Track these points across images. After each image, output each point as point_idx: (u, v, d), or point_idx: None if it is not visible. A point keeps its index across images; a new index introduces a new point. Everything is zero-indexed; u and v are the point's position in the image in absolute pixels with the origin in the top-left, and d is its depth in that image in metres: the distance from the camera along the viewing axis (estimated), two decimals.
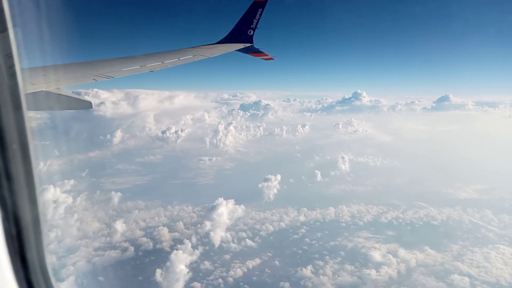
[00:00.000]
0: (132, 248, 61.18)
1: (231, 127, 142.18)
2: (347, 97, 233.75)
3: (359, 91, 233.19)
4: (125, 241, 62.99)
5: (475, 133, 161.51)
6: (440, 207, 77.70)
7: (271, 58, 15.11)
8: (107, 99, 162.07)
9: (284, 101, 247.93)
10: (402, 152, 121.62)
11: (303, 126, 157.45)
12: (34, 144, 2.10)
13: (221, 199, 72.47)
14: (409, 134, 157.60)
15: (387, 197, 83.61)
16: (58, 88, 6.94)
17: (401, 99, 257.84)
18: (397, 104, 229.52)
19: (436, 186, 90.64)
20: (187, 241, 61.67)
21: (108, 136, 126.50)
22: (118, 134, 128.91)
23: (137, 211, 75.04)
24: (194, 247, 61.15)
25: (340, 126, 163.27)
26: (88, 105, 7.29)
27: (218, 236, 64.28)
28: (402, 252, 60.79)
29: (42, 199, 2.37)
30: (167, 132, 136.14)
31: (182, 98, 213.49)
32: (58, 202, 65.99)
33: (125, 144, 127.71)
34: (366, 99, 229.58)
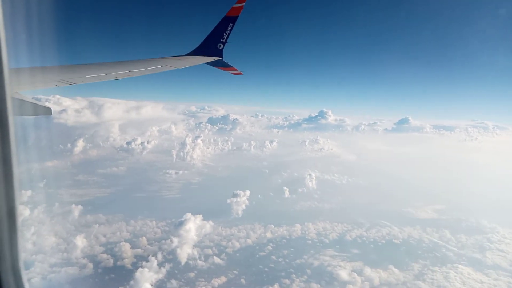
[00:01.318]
0: (91, 265, 58.37)
1: (199, 141, 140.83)
2: (314, 115, 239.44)
3: (325, 110, 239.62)
4: (83, 257, 59.95)
5: (432, 155, 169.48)
6: (401, 226, 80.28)
7: (240, 73, 15.08)
8: (69, 107, 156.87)
9: (252, 116, 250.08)
10: (365, 171, 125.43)
11: (271, 142, 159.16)
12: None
13: (189, 214, 70.97)
14: (372, 154, 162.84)
15: (352, 215, 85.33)
16: (16, 92, 6.40)
17: (364, 119, 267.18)
18: (360, 124, 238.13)
19: (397, 205, 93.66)
20: (152, 258, 59.57)
21: (69, 145, 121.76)
22: (80, 143, 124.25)
23: (97, 225, 71.97)
24: (160, 264, 59.10)
25: (306, 143, 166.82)
26: (47, 111, 6.77)
27: (184, 252, 62.54)
28: (367, 270, 61.85)
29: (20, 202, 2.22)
30: (133, 143, 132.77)
31: (150, 109, 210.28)
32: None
33: (87, 154, 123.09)
34: (331, 118, 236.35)
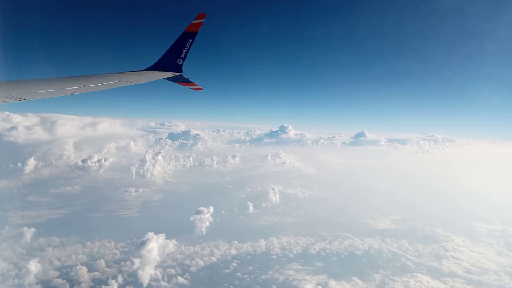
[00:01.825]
0: None
1: (159, 157, 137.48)
2: (275, 130, 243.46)
3: (285, 124, 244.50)
4: (37, 283, 56.13)
5: (388, 167, 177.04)
6: (362, 237, 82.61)
7: (200, 89, 15.08)
8: (19, 124, 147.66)
9: (214, 131, 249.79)
10: (326, 184, 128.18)
11: (234, 157, 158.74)
12: None
13: (150, 234, 68.37)
14: (332, 167, 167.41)
15: (315, 228, 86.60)
16: None
17: (323, 133, 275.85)
18: (320, 138, 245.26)
19: (357, 216, 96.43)
20: (112, 282, 56.70)
21: (19, 164, 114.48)
22: (31, 162, 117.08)
23: (51, 248, 67.64)
24: (121, 287, 56.27)
25: (268, 158, 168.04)
26: None
27: (147, 274, 60.04)
28: (331, 283, 62.58)
29: None
30: (88, 161, 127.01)
31: (107, 125, 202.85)
32: None
33: (39, 174, 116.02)
34: (292, 132, 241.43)
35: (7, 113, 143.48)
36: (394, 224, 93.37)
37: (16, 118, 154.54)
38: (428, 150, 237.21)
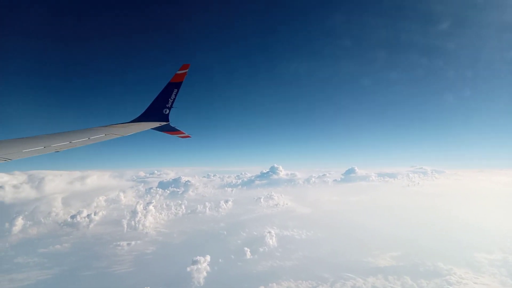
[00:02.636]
0: None
1: (151, 207, 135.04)
2: (265, 172, 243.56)
3: (275, 165, 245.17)
4: None
5: (381, 202, 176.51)
6: (364, 277, 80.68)
7: (187, 136, 15.24)
8: (6, 183, 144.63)
9: (204, 176, 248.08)
10: (322, 223, 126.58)
11: (226, 201, 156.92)
12: None
13: None
14: (326, 205, 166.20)
15: (315, 270, 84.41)
16: None
17: (313, 172, 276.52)
18: (311, 177, 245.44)
19: (357, 255, 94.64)
20: None
21: (7, 224, 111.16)
22: (19, 222, 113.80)
23: None
24: None
25: (261, 200, 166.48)
26: None
27: None
28: None
29: None
30: (78, 217, 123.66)
31: (95, 178, 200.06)
32: None
33: (26, 233, 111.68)
34: (282, 173, 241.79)
35: None
36: (395, 261, 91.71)
37: (3, 178, 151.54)
38: (418, 183, 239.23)
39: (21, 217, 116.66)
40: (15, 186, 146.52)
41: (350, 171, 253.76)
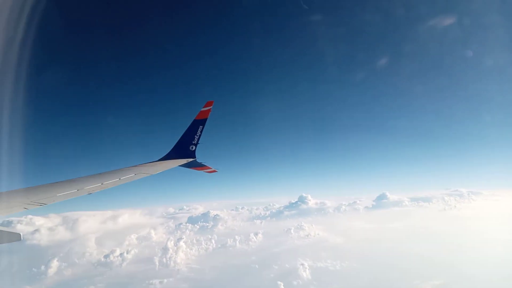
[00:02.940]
0: None
1: (181, 243, 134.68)
2: (294, 202, 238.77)
3: (304, 194, 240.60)
4: None
5: (418, 228, 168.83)
6: None
7: (214, 171, 15.34)
8: (42, 226, 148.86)
9: (232, 210, 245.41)
10: (357, 253, 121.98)
11: (256, 234, 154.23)
12: None
13: None
14: (359, 234, 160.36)
15: None
16: None
17: (343, 199, 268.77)
18: (341, 205, 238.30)
19: (397, 285, 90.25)
20: None
21: (42, 267, 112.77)
22: (54, 264, 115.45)
23: None
24: None
25: (292, 231, 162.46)
26: (17, 237, 6.56)
27: None
28: None
29: None
30: (111, 256, 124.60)
31: (127, 216, 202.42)
32: None
33: (62, 275, 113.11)
34: (311, 202, 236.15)
35: (30, 216, 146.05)
36: None
37: (39, 221, 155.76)
38: (455, 206, 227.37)
39: (56, 259, 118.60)
40: (50, 229, 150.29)
41: (382, 197, 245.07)
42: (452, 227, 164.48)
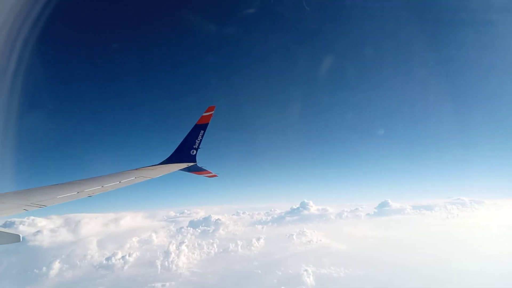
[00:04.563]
0: None
1: (183, 247, 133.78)
2: (295, 207, 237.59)
3: (305, 200, 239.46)
4: None
5: (420, 236, 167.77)
6: None
7: (214, 175, 15.43)
8: (44, 227, 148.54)
9: (234, 214, 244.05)
10: (360, 260, 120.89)
11: (258, 239, 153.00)
12: None
13: None
14: (362, 241, 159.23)
15: None
16: None
17: (345, 206, 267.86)
18: (343, 211, 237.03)
19: None
20: None
21: (44, 269, 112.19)
22: (56, 265, 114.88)
23: None
24: None
25: (294, 237, 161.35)
26: (16, 238, 6.46)
27: None
28: None
29: None
30: (112, 259, 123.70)
31: (129, 219, 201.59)
32: None
33: (63, 277, 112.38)
34: (313, 208, 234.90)
35: (32, 217, 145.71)
36: None
37: (41, 222, 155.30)
38: (457, 215, 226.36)
39: (58, 260, 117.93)
40: (52, 230, 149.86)
41: (384, 204, 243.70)
42: (455, 236, 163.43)
